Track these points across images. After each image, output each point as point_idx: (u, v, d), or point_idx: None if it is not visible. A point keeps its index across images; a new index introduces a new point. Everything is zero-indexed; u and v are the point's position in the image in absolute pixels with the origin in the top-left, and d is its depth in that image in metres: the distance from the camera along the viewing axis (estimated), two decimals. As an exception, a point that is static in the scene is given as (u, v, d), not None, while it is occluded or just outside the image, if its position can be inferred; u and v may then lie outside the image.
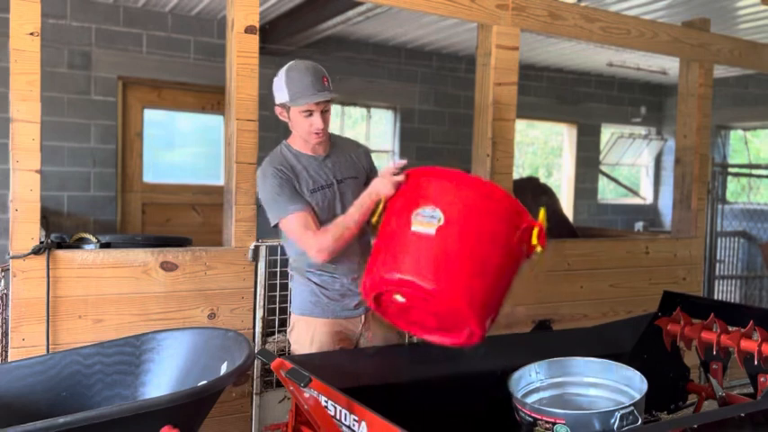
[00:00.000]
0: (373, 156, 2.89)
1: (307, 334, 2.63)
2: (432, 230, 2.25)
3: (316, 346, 2.61)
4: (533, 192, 5.49)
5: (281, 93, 2.52)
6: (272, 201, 2.52)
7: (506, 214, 2.33)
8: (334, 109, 7.04)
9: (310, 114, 2.50)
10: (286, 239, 2.67)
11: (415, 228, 2.27)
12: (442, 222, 2.26)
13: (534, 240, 2.31)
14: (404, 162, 2.47)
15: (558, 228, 5.28)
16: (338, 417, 2.02)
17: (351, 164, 2.71)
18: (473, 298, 2.23)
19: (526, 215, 2.36)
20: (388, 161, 7.42)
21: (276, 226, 2.57)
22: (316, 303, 2.62)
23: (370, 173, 2.76)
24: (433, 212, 2.28)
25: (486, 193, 2.36)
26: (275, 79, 2.55)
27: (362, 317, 2.67)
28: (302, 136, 2.58)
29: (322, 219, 2.56)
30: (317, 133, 2.53)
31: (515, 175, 3.97)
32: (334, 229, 2.48)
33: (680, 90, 4.70)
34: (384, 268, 2.29)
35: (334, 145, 2.71)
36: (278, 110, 2.58)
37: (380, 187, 2.43)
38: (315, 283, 2.62)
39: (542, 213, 2.38)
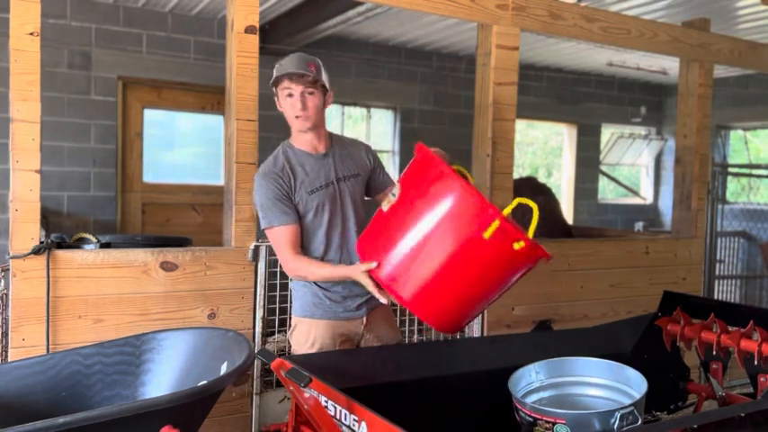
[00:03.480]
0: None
1: (308, 335, 2.63)
2: (386, 207, 2.33)
3: (317, 347, 2.61)
4: (530, 192, 5.48)
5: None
6: (264, 207, 2.57)
7: (449, 192, 2.17)
8: (335, 109, 7.09)
9: (291, 96, 2.53)
10: None
11: (383, 206, 2.36)
12: (394, 199, 2.30)
13: (487, 233, 2.11)
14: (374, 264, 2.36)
15: (554, 228, 5.29)
16: (338, 417, 2.02)
17: (352, 162, 2.70)
18: (403, 274, 2.22)
19: (487, 207, 2.14)
20: (388, 161, 7.43)
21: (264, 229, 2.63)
22: (317, 305, 2.62)
23: (375, 170, 2.77)
24: (395, 190, 2.34)
25: (432, 168, 2.24)
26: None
27: (364, 318, 2.67)
28: (290, 123, 2.60)
29: (322, 223, 2.58)
30: (297, 116, 2.54)
31: (515, 175, 3.96)
32: (307, 265, 2.56)
33: (680, 90, 4.70)
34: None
35: (335, 143, 2.71)
36: (276, 102, 2.62)
37: (352, 275, 2.43)
38: (316, 284, 2.62)
39: (535, 210, 2.23)
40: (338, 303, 2.62)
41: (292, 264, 2.55)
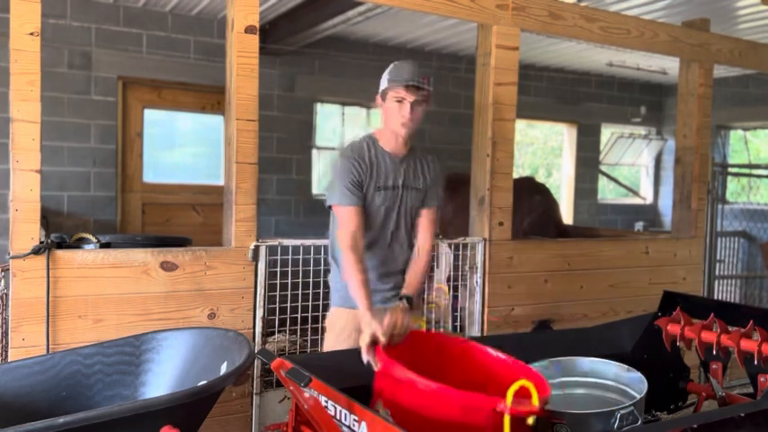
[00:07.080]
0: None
1: (353, 324, 2.66)
2: None
3: (345, 334, 2.71)
4: (527, 191, 5.48)
5: (383, 81, 2.70)
6: (336, 185, 2.68)
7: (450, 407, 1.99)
8: (335, 109, 7.09)
9: (401, 101, 2.63)
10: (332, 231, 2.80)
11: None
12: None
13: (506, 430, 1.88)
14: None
15: (549, 228, 5.29)
16: (338, 417, 2.02)
17: (420, 175, 2.83)
18: None
19: (494, 404, 1.92)
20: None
21: (330, 207, 2.73)
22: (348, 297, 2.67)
23: (431, 185, 2.85)
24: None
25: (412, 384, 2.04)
26: (385, 71, 2.72)
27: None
28: (391, 125, 2.70)
29: (378, 218, 2.72)
30: (403, 123, 2.65)
31: (515, 175, 3.96)
32: (352, 260, 2.55)
33: (680, 90, 4.70)
34: None
35: (413, 152, 2.83)
36: (378, 99, 2.74)
37: (365, 327, 2.39)
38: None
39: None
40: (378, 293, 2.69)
41: (346, 246, 2.58)
